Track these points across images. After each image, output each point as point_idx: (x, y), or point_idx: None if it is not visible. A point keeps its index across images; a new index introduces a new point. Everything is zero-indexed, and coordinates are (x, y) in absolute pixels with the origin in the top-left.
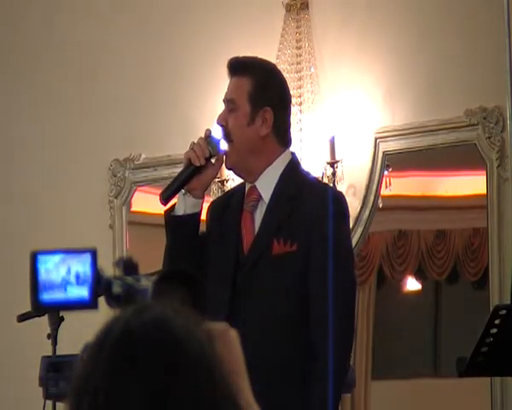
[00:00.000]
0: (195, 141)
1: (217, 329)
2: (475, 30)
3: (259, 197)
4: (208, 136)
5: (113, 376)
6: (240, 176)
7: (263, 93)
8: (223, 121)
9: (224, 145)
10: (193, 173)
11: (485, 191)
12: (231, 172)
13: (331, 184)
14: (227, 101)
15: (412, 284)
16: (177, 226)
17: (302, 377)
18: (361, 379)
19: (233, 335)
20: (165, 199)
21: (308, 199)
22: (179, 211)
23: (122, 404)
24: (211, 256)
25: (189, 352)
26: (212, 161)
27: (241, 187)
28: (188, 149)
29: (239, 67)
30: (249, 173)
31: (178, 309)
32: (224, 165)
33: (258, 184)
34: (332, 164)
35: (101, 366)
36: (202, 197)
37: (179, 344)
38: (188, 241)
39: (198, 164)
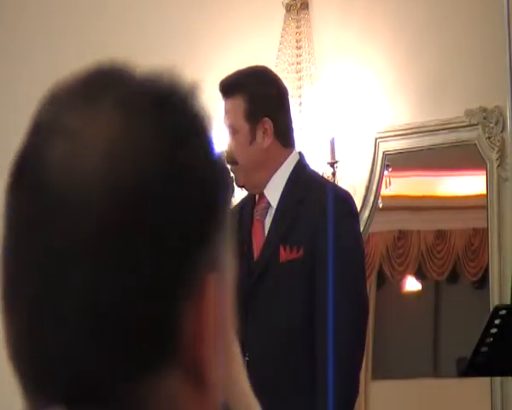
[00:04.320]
0: None
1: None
2: (475, 30)
3: (268, 204)
4: None
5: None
6: (251, 191)
7: (258, 106)
8: (226, 147)
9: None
10: None
11: (485, 191)
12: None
13: None
14: (226, 126)
15: (412, 284)
16: None
17: (310, 383)
18: (361, 379)
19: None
20: None
21: (314, 201)
22: None
23: None
24: None
25: None
26: None
27: (251, 196)
28: None
29: (229, 87)
30: (259, 186)
31: None
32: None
33: (266, 191)
34: (332, 164)
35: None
36: None
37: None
38: None
39: None
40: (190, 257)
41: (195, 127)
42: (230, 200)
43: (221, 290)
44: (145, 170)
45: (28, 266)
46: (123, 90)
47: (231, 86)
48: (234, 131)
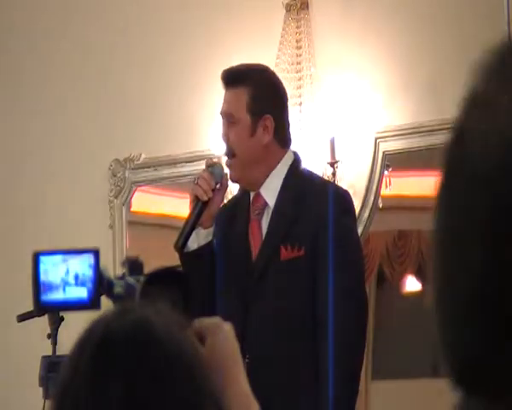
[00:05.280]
0: (199, 176)
1: (208, 324)
2: (475, 29)
3: (265, 204)
4: (210, 165)
5: (93, 378)
6: (246, 187)
7: (261, 102)
8: (224, 136)
9: (226, 166)
10: (202, 209)
11: None
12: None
13: None
14: (225, 114)
15: (412, 284)
16: (195, 260)
17: (311, 382)
18: (361, 379)
19: (226, 328)
20: (180, 247)
21: (312, 200)
22: (193, 246)
23: (103, 405)
24: (221, 269)
25: (169, 353)
26: (217, 186)
27: (244, 195)
28: (190, 174)
29: (233, 78)
30: (255, 183)
31: (161, 311)
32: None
33: (262, 190)
34: (332, 164)
35: (82, 369)
36: (212, 225)
37: (159, 345)
38: (207, 268)
39: (206, 199)
40: None
41: None
42: None
43: None
44: None
45: (433, 246)
46: None
47: (236, 76)
48: (234, 120)
